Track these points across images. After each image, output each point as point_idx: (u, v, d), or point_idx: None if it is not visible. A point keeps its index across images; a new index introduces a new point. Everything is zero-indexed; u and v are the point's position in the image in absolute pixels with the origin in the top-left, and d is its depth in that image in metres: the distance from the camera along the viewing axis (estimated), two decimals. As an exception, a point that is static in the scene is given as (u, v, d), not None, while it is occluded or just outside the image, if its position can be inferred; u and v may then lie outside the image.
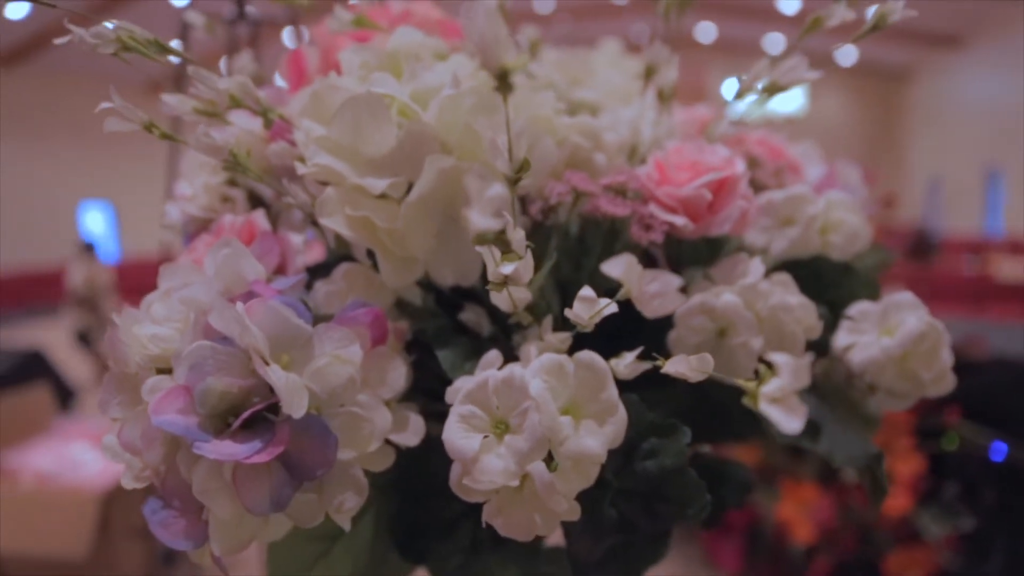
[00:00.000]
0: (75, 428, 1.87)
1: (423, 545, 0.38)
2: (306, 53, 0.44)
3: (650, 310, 0.23)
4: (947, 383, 0.34)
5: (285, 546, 0.40)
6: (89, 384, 3.18)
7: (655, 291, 0.19)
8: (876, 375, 0.34)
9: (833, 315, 0.39)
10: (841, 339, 0.36)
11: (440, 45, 0.41)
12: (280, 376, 0.26)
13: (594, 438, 0.26)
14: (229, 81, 0.33)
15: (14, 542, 1.55)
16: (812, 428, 0.36)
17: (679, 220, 0.33)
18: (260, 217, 0.36)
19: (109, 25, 0.31)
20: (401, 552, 0.39)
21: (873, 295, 0.39)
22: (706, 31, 7.10)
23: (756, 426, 0.37)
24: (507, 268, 0.23)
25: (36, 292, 6.79)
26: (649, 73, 0.42)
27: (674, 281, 0.18)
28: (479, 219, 0.18)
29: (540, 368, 0.26)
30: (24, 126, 6.94)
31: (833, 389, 0.40)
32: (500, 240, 0.21)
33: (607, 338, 0.38)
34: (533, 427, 0.25)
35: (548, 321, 0.30)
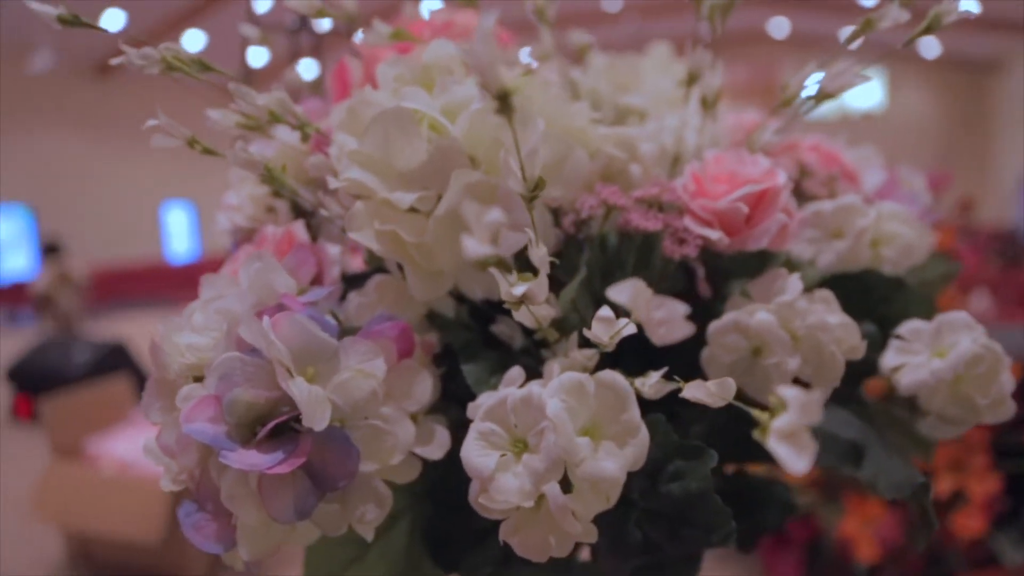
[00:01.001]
0: (152, 418, 1.96)
1: (456, 554, 0.38)
2: (350, 65, 0.45)
3: (657, 337, 0.23)
4: (1005, 409, 0.32)
5: (321, 548, 0.40)
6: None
7: (660, 318, 0.19)
8: (926, 399, 0.32)
9: (883, 333, 0.37)
10: (890, 359, 0.34)
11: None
12: (302, 389, 0.26)
13: (613, 460, 0.25)
14: (267, 97, 0.33)
15: (96, 523, 1.64)
16: (855, 452, 0.34)
17: (713, 234, 0.32)
18: (299, 228, 0.37)
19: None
20: (434, 559, 0.39)
21: (927, 312, 0.37)
22: (779, 26, 6.89)
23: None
24: (519, 289, 0.23)
25: (124, 286, 7.18)
26: (691, 80, 0.41)
27: (680, 308, 0.17)
28: (473, 246, 0.18)
29: (559, 388, 0.26)
30: (117, 130, 7.34)
31: (881, 410, 0.38)
32: (500, 265, 0.21)
33: (642, 353, 0.37)
34: (549, 448, 0.25)
35: (574, 338, 0.30)
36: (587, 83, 0.49)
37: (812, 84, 0.37)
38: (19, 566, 1.78)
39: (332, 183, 0.32)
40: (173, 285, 6.69)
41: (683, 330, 0.21)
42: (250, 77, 1.13)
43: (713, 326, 0.31)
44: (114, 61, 0.33)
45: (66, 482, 1.65)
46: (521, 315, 0.27)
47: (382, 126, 0.31)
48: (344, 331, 0.32)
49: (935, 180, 0.89)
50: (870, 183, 0.53)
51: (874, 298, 0.39)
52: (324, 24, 1.22)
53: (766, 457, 0.39)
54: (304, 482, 0.28)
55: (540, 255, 0.27)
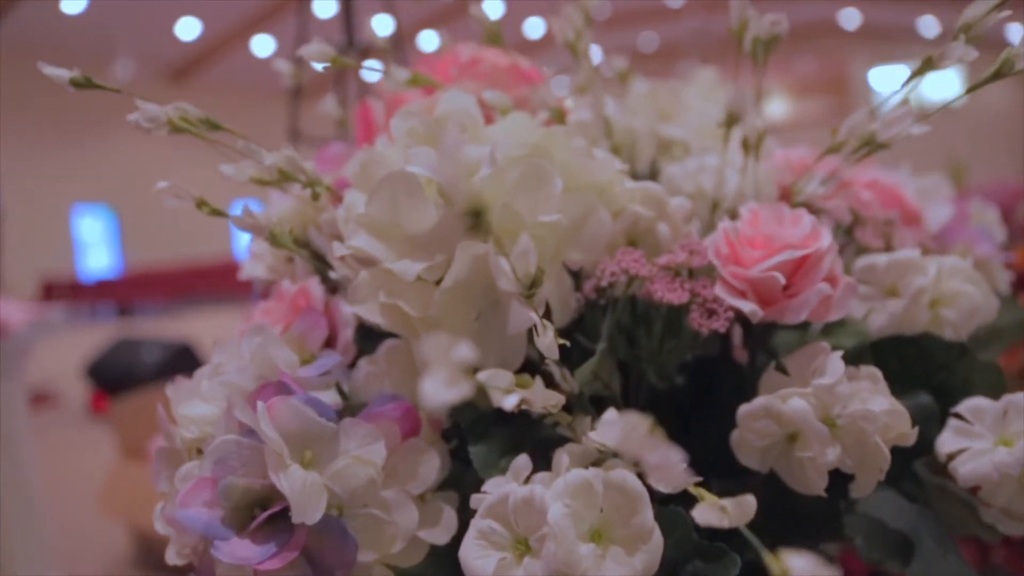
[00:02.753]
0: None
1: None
2: (373, 106, 0.44)
3: (653, 480, 0.20)
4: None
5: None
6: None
7: (655, 463, 0.17)
8: (989, 493, 0.29)
9: (942, 406, 0.34)
10: (947, 442, 0.31)
11: (503, 99, 0.39)
12: (294, 482, 0.25)
13: (620, 568, 0.23)
14: (276, 156, 0.32)
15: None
16: (904, 545, 0.31)
17: (746, 306, 0.29)
18: (315, 285, 0.36)
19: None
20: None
21: (994, 385, 0.33)
22: (850, 18, 6.60)
23: (839, 531, 0.32)
24: (511, 400, 0.21)
25: (198, 284, 7.47)
26: (731, 121, 0.38)
27: (677, 456, 0.15)
28: (432, 391, 0.16)
29: (564, 489, 0.24)
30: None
31: (939, 486, 0.35)
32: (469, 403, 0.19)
33: (681, 404, 0.35)
34: (550, 557, 0.23)
35: (587, 422, 0.27)
36: (622, 121, 0.47)
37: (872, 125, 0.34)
38: (87, 561, 1.87)
39: (338, 249, 0.30)
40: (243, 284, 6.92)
41: (681, 479, 0.18)
42: (299, 92, 1.14)
43: (743, 410, 0.29)
44: (130, 118, 0.33)
45: (132, 481, 1.71)
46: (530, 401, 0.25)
47: (389, 189, 0.29)
48: (349, 407, 0.31)
49: (1011, 195, 0.83)
50: (935, 220, 0.49)
51: (932, 364, 0.35)
52: (364, 43, 1.22)
53: (805, 540, 0.36)
54: (303, 567, 0.27)
55: (547, 343, 0.25)
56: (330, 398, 0.30)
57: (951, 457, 0.30)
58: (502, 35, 0.45)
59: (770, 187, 0.40)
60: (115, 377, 2.58)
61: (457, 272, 0.28)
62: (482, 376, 0.20)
